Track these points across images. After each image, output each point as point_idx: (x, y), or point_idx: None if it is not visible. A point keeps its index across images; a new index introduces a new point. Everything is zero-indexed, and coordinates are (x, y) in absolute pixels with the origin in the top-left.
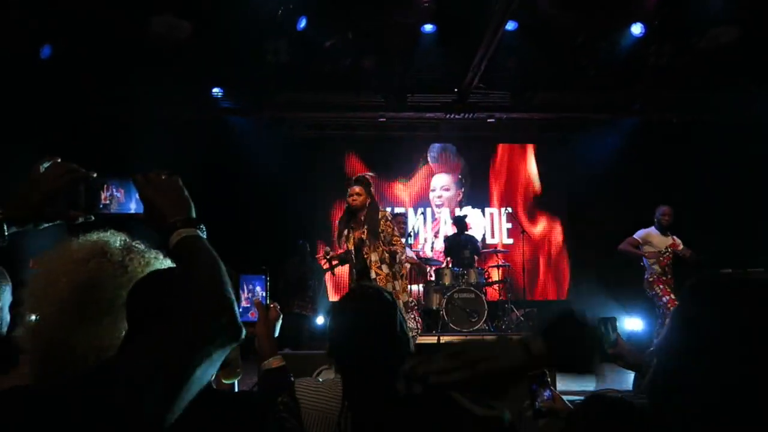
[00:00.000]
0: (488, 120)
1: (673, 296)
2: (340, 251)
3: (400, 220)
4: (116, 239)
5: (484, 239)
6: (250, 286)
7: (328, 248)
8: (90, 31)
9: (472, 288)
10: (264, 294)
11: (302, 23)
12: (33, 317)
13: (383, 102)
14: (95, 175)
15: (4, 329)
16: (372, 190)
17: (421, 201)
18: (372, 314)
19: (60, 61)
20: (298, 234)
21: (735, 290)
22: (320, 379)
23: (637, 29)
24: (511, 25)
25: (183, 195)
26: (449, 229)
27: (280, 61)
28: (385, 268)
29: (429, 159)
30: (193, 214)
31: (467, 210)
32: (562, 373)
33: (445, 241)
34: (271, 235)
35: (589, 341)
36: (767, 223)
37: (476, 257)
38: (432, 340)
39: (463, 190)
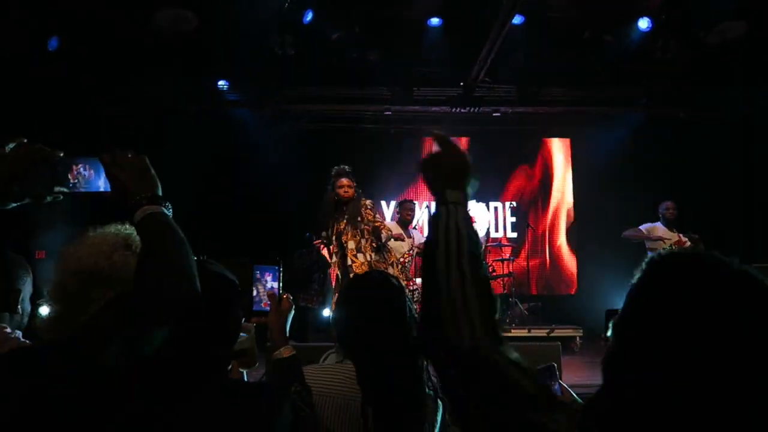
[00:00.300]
0: (494, 114)
1: None
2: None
3: (407, 206)
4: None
5: (488, 233)
6: (264, 278)
7: (324, 233)
8: (94, 24)
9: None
10: (276, 285)
11: (309, 16)
12: (55, 309)
13: (389, 95)
14: (61, 154)
15: (26, 320)
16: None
17: (426, 194)
18: (378, 300)
19: (64, 55)
20: (303, 227)
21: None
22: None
23: (643, 24)
24: (518, 19)
25: (149, 173)
26: None
27: (286, 54)
28: (360, 257)
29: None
30: (159, 192)
31: (471, 204)
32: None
33: None
34: (276, 228)
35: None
36: None
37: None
38: None
39: None
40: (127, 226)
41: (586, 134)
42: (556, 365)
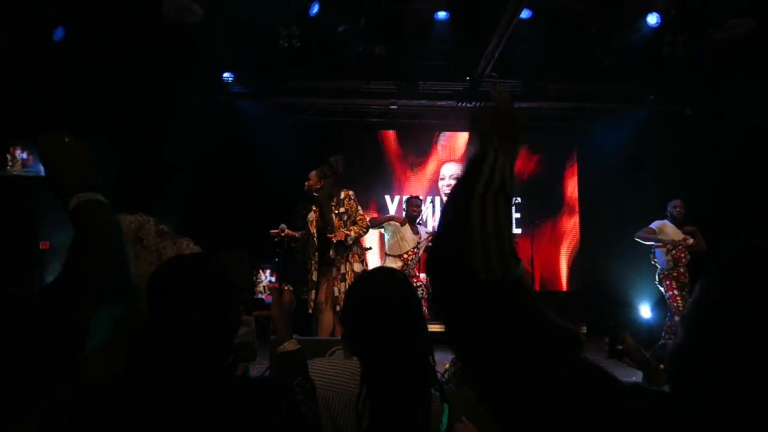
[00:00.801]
0: None
1: (677, 293)
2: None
3: (414, 203)
4: (150, 224)
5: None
6: (264, 272)
7: (283, 225)
8: (99, 14)
9: None
10: (274, 279)
11: (315, 9)
12: None
13: (395, 89)
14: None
15: None
16: (330, 172)
17: (431, 189)
18: (383, 297)
19: (69, 46)
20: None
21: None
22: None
23: (653, 19)
24: (525, 13)
25: (86, 159)
26: None
27: (291, 47)
28: (332, 252)
29: (439, 147)
30: (96, 179)
31: None
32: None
33: None
34: (279, 221)
35: None
36: None
37: None
38: (440, 328)
39: None
40: (140, 216)
41: (592, 130)
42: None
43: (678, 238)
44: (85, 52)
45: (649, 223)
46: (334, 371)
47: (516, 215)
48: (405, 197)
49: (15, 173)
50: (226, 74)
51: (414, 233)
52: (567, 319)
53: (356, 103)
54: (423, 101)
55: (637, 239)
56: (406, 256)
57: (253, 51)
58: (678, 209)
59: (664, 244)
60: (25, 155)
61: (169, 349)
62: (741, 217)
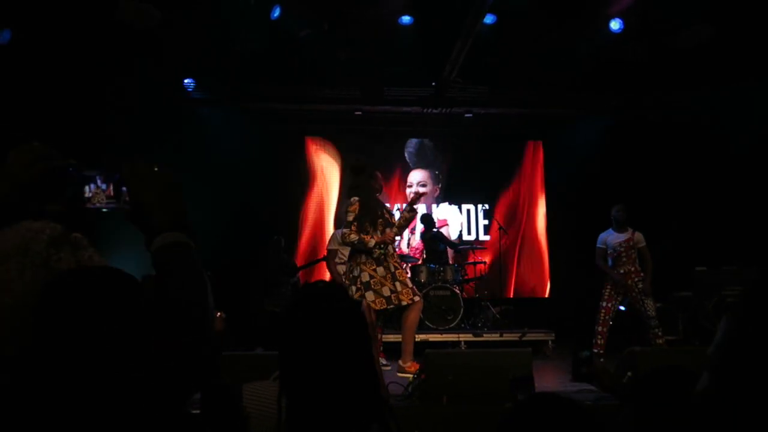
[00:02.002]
0: (466, 115)
1: (606, 304)
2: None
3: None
4: (45, 234)
5: (460, 236)
6: None
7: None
8: (51, 16)
9: (448, 285)
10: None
11: (276, 12)
12: None
13: (359, 95)
14: (74, 162)
15: None
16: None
17: (398, 196)
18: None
19: (21, 48)
20: (272, 228)
21: None
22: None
23: (615, 25)
24: (489, 19)
25: (174, 193)
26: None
27: (253, 51)
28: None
29: (406, 154)
30: (185, 217)
31: (444, 206)
32: None
33: (422, 236)
34: (244, 229)
35: None
36: (739, 219)
37: (451, 251)
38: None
39: (440, 185)
40: (40, 223)
41: (558, 136)
42: (533, 377)
43: (618, 242)
44: (34, 55)
45: (606, 229)
46: (266, 393)
47: (484, 222)
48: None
49: (94, 206)
50: (186, 80)
51: None
52: (537, 328)
53: (320, 108)
54: (388, 107)
55: (597, 265)
56: None
57: (214, 56)
58: (620, 213)
59: (611, 276)
60: (104, 185)
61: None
62: (701, 221)
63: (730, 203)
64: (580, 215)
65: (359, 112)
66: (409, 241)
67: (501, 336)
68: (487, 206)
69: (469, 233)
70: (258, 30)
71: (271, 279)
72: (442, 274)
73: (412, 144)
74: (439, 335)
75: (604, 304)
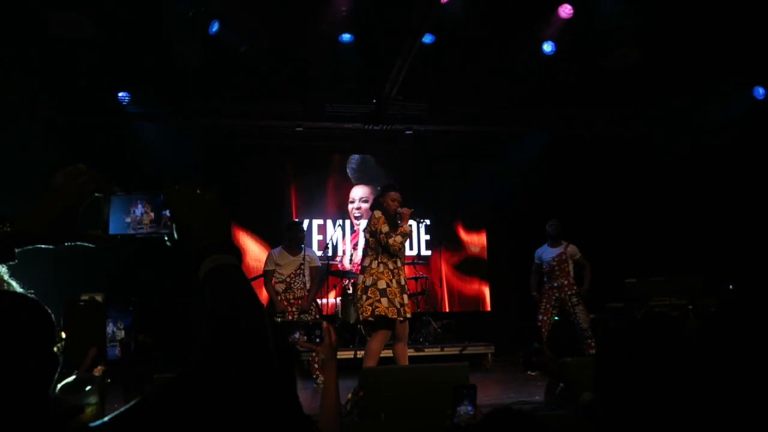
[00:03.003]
0: (406, 132)
1: (542, 317)
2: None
3: (299, 227)
4: None
5: (402, 251)
6: (118, 323)
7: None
8: None
9: None
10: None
11: (215, 27)
12: None
13: (300, 110)
14: (118, 190)
15: None
16: (378, 198)
17: (340, 212)
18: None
19: None
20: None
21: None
22: None
23: (548, 47)
24: (428, 38)
25: (220, 214)
26: None
27: (190, 66)
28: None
29: (348, 170)
30: (230, 237)
31: None
32: None
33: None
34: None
35: None
36: (667, 231)
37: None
38: (350, 354)
39: None
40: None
41: (497, 153)
42: (476, 386)
43: (551, 256)
44: None
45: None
46: None
47: (426, 237)
48: (288, 222)
49: (139, 231)
50: (121, 94)
51: (294, 255)
52: (477, 342)
53: (260, 124)
54: (330, 123)
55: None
56: (288, 279)
57: (149, 70)
58: (553, 227)
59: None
60: (144, 210)
61: None
62: (631, 235)
63: (657, 217)
64: (520, 230)
65: (300, 128)
66: (352, 256)
67: (442, 350)
68: (428, 221)
69: (411, 248)
70: (196, 44)
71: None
72: None
73: (354, 160)
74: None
75: (541, 317)
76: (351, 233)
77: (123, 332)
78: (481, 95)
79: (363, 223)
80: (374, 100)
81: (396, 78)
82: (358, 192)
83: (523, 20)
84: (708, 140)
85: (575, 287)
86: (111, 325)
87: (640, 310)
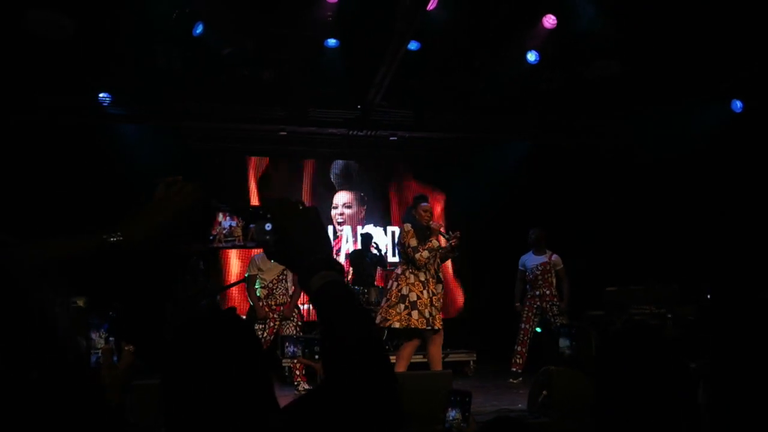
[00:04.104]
0: (390, 138)
1: (524, 325)
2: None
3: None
4: None
5: (385, 257)
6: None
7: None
8: None
9: (372, 307)
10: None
11: (198, 29)
12: None
13: (284, 115)
14: (217, 202)
15: None
16: (411, 209)
17: (323, 218)
18: None
19: None
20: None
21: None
22: None
23: (531, 57)
24: (413, 45)
25: (323, 230)
26: (351, 247)
27: (173, 67)
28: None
29: (331, 176)
30: (332, 253)
31: (369, 228)
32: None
33: (347, 257)
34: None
35: None
36: (646, 239)
37: (380, 272)
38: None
39: (365, 207)
40: None
41: (480, 160)
42: (471, 393)
43: (535, 264)
44: None
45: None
46: None
47: None
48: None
49: (229, 243)
50: (102, 95)
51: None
52: (459, 348)
53: (244, 128)
54: (313, 128)
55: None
56: (271, 285)
57: (131, 71)
58: (534, 236)
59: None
60: (233, 223)
61: None
62: (611, 243)
63: (638, 225)
64: (501, 237)
65: (284, 133)
66: None
67: (424, 358)
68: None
69: (393, 255)
70: (179, 46)
71: (187, 305)
72: (366, 296)
73: (337, 166)
74: None
75: (523, 325)
76: (334, 239)
77: (103, 340)
78: (465, 103)
79: (346, 228)
80: (359, 106)
81: (380, 84)
82: (342, 198)
83: (508, 29)
84: (686, 151)
85: (556, 298)
86: (93, 332)
87: (620, 318)
